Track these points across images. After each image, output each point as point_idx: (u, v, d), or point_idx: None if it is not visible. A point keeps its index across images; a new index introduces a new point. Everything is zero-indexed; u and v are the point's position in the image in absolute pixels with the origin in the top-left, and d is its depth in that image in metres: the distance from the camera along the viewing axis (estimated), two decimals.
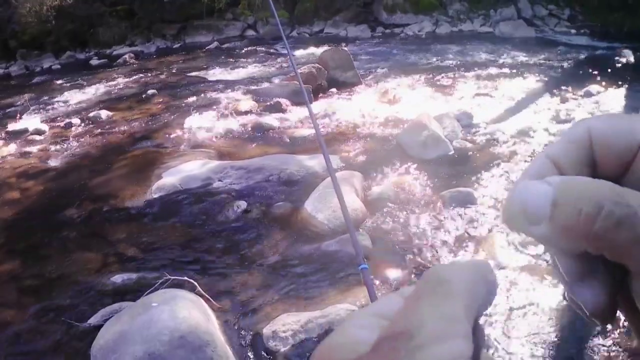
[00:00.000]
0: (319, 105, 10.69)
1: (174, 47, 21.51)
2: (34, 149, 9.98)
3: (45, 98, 14.12)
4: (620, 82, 11.32)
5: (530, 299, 4.72)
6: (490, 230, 5.92)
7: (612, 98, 10.26)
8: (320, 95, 11.43)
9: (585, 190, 0.38)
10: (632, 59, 13.67)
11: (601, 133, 0.44)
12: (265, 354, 4.37)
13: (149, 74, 15.97)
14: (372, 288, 2.65)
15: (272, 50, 17.90)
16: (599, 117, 0.45)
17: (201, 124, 10.19)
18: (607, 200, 0.37)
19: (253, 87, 12.53)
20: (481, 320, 0.37)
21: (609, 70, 12.55)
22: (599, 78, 11.73)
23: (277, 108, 10.54)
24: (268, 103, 10.79)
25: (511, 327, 4.41)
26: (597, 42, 16.10)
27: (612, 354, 4.13)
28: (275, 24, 3.91)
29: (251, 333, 4.57)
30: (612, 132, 0.44)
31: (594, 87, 10.76)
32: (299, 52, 16.73)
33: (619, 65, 13.23)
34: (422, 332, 0.32)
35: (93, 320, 4.82)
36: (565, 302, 4.64)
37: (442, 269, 0.37)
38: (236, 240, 6.08)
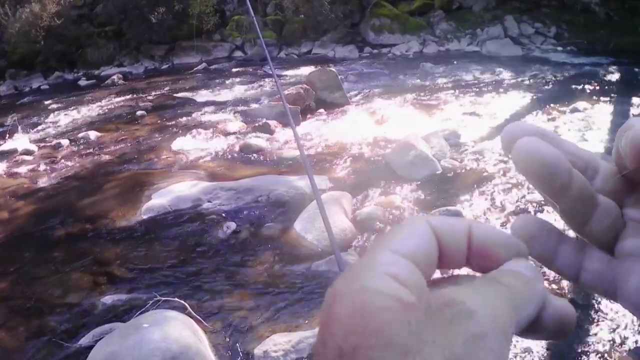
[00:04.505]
0: (307, 126, 10.74)
1: (162, 68, 21.59)
2: (23, 169, 9.98)
3: (35, 118, 14.14)
4: (606, 98, 11.41)
5: None
6: None
7: (599, 114, 10.32)
8: (309, 116, 11.47)
9: None
10: (618, 75, 13.81)
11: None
12: None
13: (138, 95, 16.00)
14: None
15: (260, 72, 17.95)
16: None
17: (190, 145, 10.22)
18: None
19: (241, 108, 12.56)
20: None
21: (596, 86, 12.67)
22: (585, 95, 11.84)
23: (266, 129, 10.57)
24: (257, 124, 10.81)
25: None
26: (583, 59, 16.21)
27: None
28: (263, 47, 3.92)
29: (242, 353, 4.57)
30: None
31: (580, 104, 10.84)
32: (287, 73, 16.83)
33: (605, 81, 13.34)
34: (486, 322, 0.36)
35: (84, 341, 4.81)
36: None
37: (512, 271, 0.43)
38: (226, 261, 6.09)
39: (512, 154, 0.47)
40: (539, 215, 6.47)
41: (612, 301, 0.52)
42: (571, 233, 0.54)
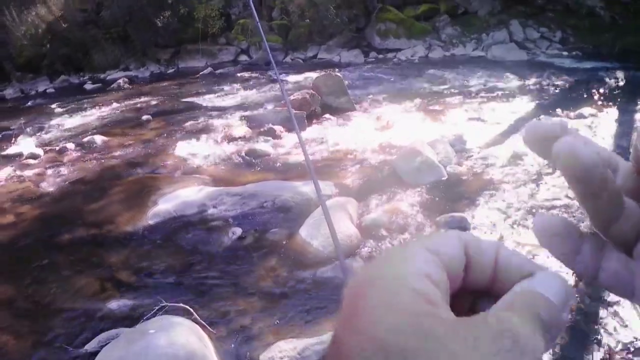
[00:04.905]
0: (312, 131, 10.74)
1: (168, 72, 21.60)
2: (29, 173, 9.99)
3: (40, 122, 14.17)
4: (612, 103, 11.38)
5: None
6: None
7: (604, 119, 10.30)
8: (314, 121, 11.46)
9: None
10: (623, 78, 13.76)
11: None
12: None
13: (144, 99, 16.01)
14: None
15: (265, 76, 17.94)
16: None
17: (196, 150, 10.23)
18: None
19: (247, 113, 12.56)
20: None
21: (601, 91, 12.63)
22: (591, 99, 11.81)
23: (271, 134, 10.57)
24: (262, 129, 10.81)
25: None
26: (588, 63, 16.16)
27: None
28: (267, 50, 3.98)
29: None
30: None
31: (586, 109, 10.81)
32: (292, 77, 16.82)
33: (611, 85, 13.30)
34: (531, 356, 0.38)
35: (89, 347, 4.82)
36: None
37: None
38: (232, 267, 6.09)
39: (553, 153, 0.47)
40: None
41: (629, 301, 0.53)
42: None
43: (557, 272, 0.47)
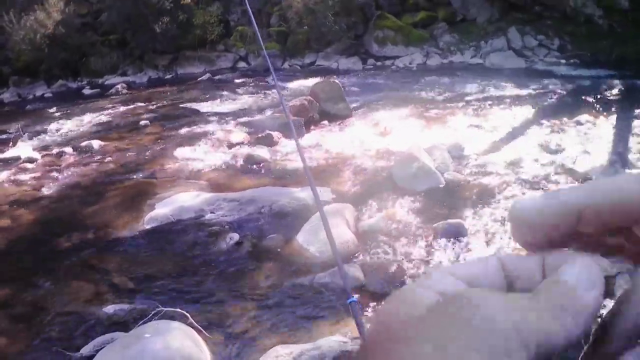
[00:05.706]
0: (310, 138, 10.74)
1: (166, 77, 21.60)
2: (26, 177, 9.99)
3: (38, 126, 14.17)
4: (609, 110, 11.37)
5: None
6: None
7: (601, 127, 10.29)
8: (312, 127, 11.46)
9: None
10: (620, 86, 13.76)
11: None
12: None
13: (141, 105, 16.02)
14: (360, 321, 2.68)
15: (263, 83, 17.93)
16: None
17: (193, 156, 10.23)
18: None
19: (245, 119, 12.58)
20: None
21: (598, 98, 12.63)
22: (588, 107, 11.80)
23: (269, 140, 10.56)
24: (260, 135, 10.80)
25: None
26: (586, 71, 16.13)
27: None
28: (266, 57, 3.99)
29: None
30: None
31: (583, 117, 10.79)
32: (290, 84, 16.83)
33: (608, 93, 13.30)
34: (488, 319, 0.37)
35: (85, 351, 4.81)
36: None
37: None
38: (228, 272, 6.09)
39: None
40: None
41: None
42: None
43: (584, 258, 0.44)
